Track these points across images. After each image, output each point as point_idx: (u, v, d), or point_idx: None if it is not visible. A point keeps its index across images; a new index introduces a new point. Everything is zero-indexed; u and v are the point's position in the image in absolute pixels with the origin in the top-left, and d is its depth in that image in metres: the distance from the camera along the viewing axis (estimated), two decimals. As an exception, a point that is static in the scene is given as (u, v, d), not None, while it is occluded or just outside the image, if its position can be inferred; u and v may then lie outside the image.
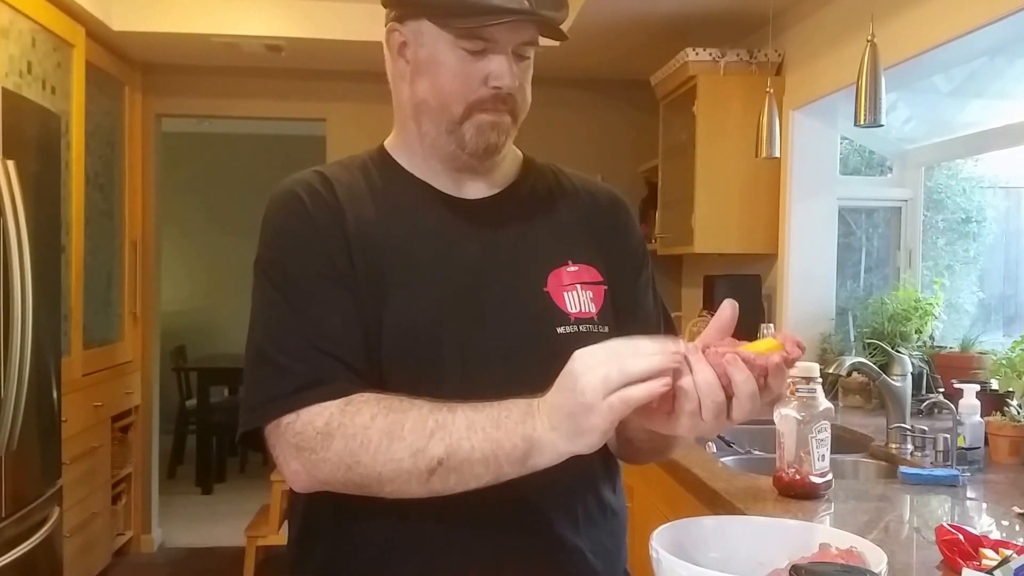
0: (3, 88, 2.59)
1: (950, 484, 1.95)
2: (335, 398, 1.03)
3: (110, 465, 4.10)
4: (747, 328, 1.01)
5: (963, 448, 2.09)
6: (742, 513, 1.70)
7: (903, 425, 2.32)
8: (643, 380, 0.88)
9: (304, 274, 1.10)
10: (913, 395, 2.43)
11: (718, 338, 0.93)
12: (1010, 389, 2.28)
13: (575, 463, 1.14)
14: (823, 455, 1.80)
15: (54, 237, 3.08)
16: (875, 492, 1.96)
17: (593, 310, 1.16)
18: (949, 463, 2.08)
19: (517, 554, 1.10)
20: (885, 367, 2.43)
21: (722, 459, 2.31)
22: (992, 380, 2.40)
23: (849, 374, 2.55)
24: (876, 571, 0.87)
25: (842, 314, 3.36)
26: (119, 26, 3.86)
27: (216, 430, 6.08)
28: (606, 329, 1.14)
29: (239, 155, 7.34)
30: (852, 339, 3.24)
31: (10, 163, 2.56)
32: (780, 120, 3.02)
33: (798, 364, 1.77)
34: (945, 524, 1.45)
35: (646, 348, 0.90)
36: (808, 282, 3.39)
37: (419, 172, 1.19)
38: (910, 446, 2.28)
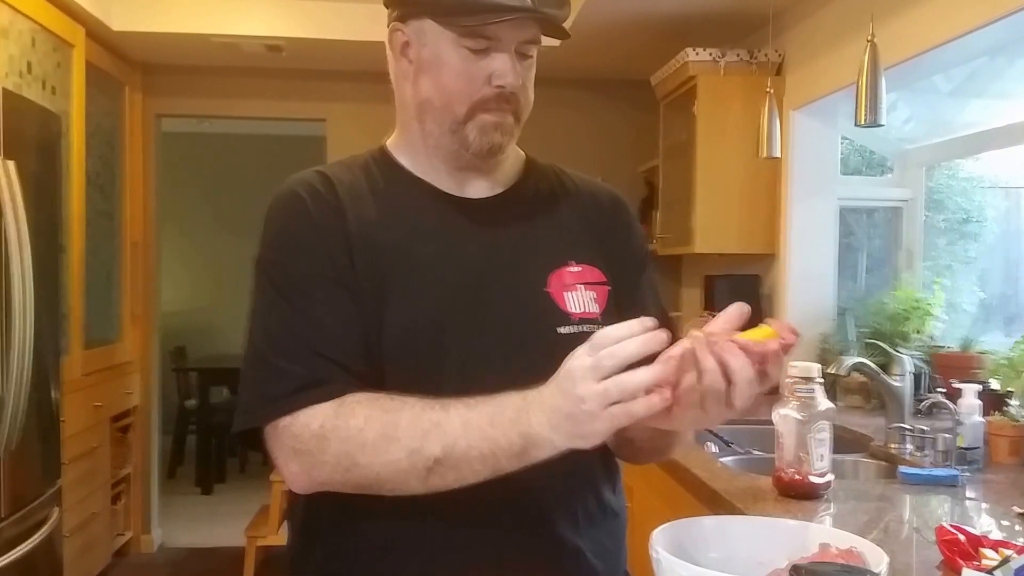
0: (3, 88, 2.59)
1: (950, 484, 1.95)
2: (331, 399, 1.04)
3: (110, 465, 4.10)
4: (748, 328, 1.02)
5: (963, 448, 2.09)
6: (742, 513, 1.70)
7: (903, 425, 2.32)
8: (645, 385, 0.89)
9: (305, 274, 1.10)
10: (913, 395, 2.43)
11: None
12: (1010, 389, 2.29)
13: (576, 464, 1.14)
14: (823, 455, 1.80)
15: (54, 237, 3.08)
16: (875, 492, 1.96)
17: (596, 310, 1.16)
18: (949, 463, 2.08)
19: (517, 554, 1.10)
20: (885, 367, 2.43)
21: (722, 459, 2.31)
22: (992, 380, 2.40)
23: (849, 374, 2.55)
24: (876, 571, 0.87)
25: (842, 314, 3.36)
26: (119, 26, 3.86)
27: (216, 430, 6.08)
28: (609, 330, 1.14)
29: (239, 155, 7.34)
30: (852, 339, 3.23)
31: (10, 163, 2.56)
32: (780, 120, 3.02)
33: (798, 364, 1.80)
34: (945, 524, 1.45)
35: (628, 336, 0.91)
36: (808, 282, 3.39)
37: (421, 172, 1.19)
38: (910, 446, 2.28)
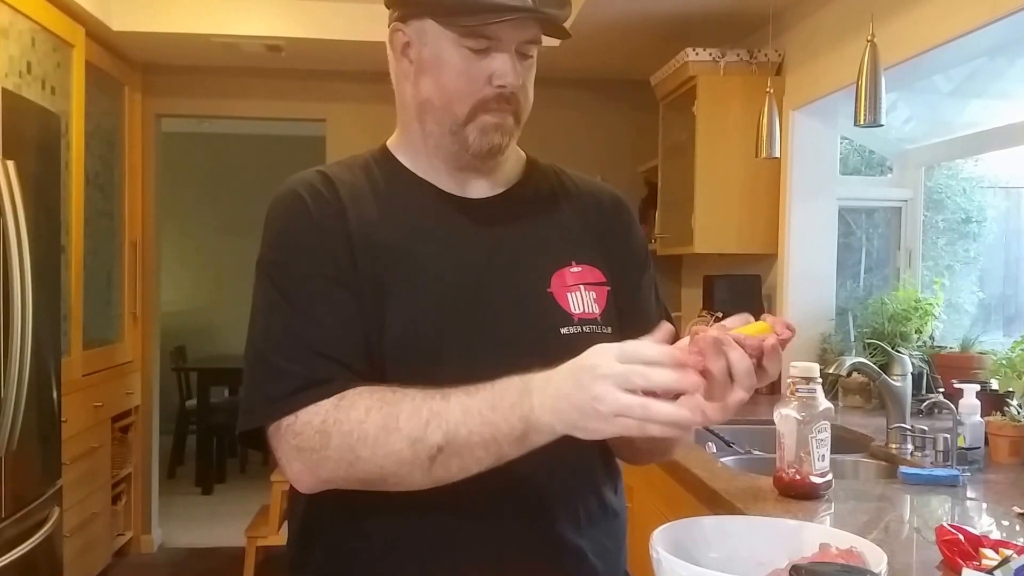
0: (3, 88, 2.59)
1: (950, 484, 1.95)
2: (332, 396, 1.04)
3: (110, 465, 4.10)
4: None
5: (963, 448, 2.09)
6: (742, 513, 1.70)
7: (903, 425, 2.32)
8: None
9: (306, 275, 1.10)
10: (913, 395, 2.43)
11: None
12: (1010, 389, 2.28)
13: (577, 464, 1.15)
14: (823, 455, 1.80)
15: (54, 237, 3.08)
16: (875, 492, 1.96)
17: (596, 311, 1.16)
18: (949, 463, 2.08)
19: (518, 554, 1.10)
20: (885, 367, 2.43)
21: (722, 459, 2.30)
22: (992, 380, 2.40)
23: (849, 374, 2.55)
24: (876, 571, 0.87)
25: (842, 314, 3.36)
26: (119, 26, 3.86)
27: (216, 430, 6.08)
28: (609, 330, 1.14)
29: (239, 155, 7.35)
30: (852, 339, 3.23)
31: (10, 163, 2.56)
32: (780, 120, 3.02)
33: (798, 364, 1.80)
34: (945, 524, 1.45)
35: (657, 357, 0.90)
36: (808, 282, 3.39)
37: (422, 172, 1.19)
38: (910, 446, 2.28)
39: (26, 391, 2.58)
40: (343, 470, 1.02)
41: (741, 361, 0.91)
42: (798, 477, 1.80)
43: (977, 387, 2.19)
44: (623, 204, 1.29)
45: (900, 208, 3.48)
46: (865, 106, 2.21)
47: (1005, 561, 1.19)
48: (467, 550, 1.09)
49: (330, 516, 1.12)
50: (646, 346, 0.92)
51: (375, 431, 1.00)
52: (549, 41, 1.15)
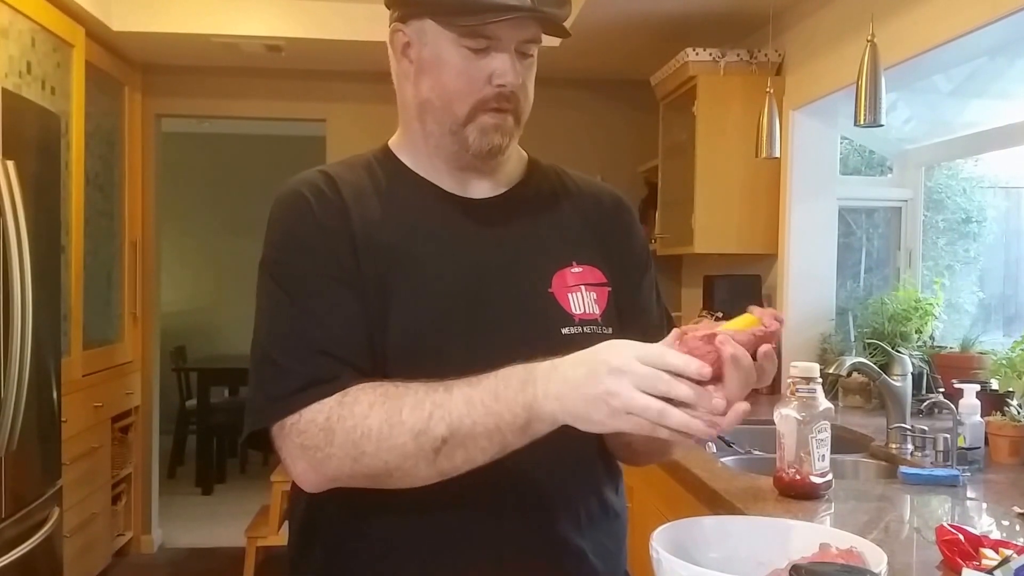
0: (3, 88, 2.59)
1: (950, 484, 1.95)
2: (335, 394, 1.04)
3: (110, 465, 4.10)
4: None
5: (963, 448, 2.09)
6: (742, 513, 1.70)
7: (903, 425, 2.32)
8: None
9: (310, 275, 1.10)
10: (913, 395, 2.43)
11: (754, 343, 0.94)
12: (1010, 389, 2.28)
13: (579, 465, 1.15)
14: (823, 455, 1.80)
15: (54, 237, 3.08)
16: (875, 492, 1.96)
17: (597, 311, 1.16)
18: (949, 463, 2.08)
19: (518, 554, 1.10)
20: (885, 367, 2.43)
21: (722, 459, 2.30)
22: (992, 380, 2.40)
23: (849, 374, 2.55)
24: (876, 571, 0.87)
25: (842, 314, 3.36)
26: (119, 26, 3.86)
27: (216, 431, 6.08)
28: (610, 331, 1.14)
29: (239, 155, 7.35)
30: (852, 339, 3.24)
31: (10, 163, 2.56)
32: (780, 120, 3.02)
33: (798, 364, 1.80)
34: (945, 524, 1.45)
35: (682, 367, 0.90)
36: (808, 282, 3.39)
37: (424, 172, 1.19)
38: (910, 446, 2.28)
39: (26, 391, 2.58)
40: (348, 467, 1.02)
41: (745, 359, 0.91)
42: (798, 477, 1.80)
43: (977, 387, 2.19)
44: (624, 204, 1.30)
45: (900, 208, 3.48)
46: (865, 106, 2.21)
47: (1005, 561, 1.19)
48: (467, 550, 1.09)
49: (330, 516, 1.12)
50: (671, 353, 0.92)
51: (379, 426, 1.00)
52: (549, 41, 1.15)
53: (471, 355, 1.08)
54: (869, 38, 2.21)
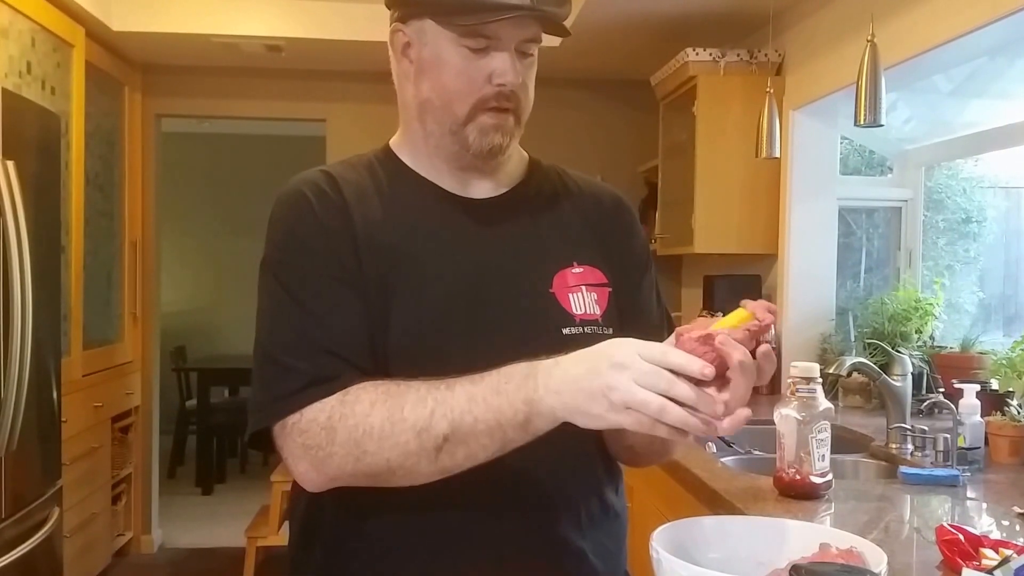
0: (3, 88, 2.59)
1: (950, 484, 1.95)
2: (337, 393, 1.04)
3: (110, 465, 4.10)
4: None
5: (963, 448, 2.09)
6: (742, 513, 1.70)
7: (903, 425, 2.32)
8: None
9: (311, 275, 1.10)
10: (913, 395, 2.43)
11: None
12: (1010, 389, 2.28)
13: (579, 465, 1.15)
14: (823, 455, 1.80)
15: (54, 237, 3.08)
16: (875, 492, 1.96)
17: (598, 312, 1.16)
18: (949, 463, 2.08)
19: (519, 554, 1.10)
20: (885, 367, 2.43)
21: (722, 459, 2.31)
22: (992, 380, 2.40)
23: (849, 374, 2.55)
24: (876, 571, 0.87)
25: (842, 314, 3.36)
26: (119, 26, 3.86)
27: (216, 431, 6.08)
28: (610, 331, 1.14)
29: (239, 155, 7.35)
30: (852, 339, 3.24)
31: (10, 163, 2.56)
32: (780, 120, 3.02)
33: (798, 364, 1.80)
34: (945, 524, 1.45)
35: (684, 365, 0.90)
36: (808, 282, 3.39)
37: (424, 171, 1.19)
38: (910, 446, 2.28)
39: (26, 391, 2.58)
40: (350, 465, 1.02)
41: (749, 362, 0.91)
42: (798, 477, 1.80)
43: (977, 387, 2.19)
44: (624, 205, 1.30)
45: (900, 208, 3.48)
46: (865, 106, 2.21)
47: (1005, 561, 1.19)
48: (468, 550, 1.09)
49: (331, 516, 1.12)
50: (674, 352, 0.92)
51: (380, 424, 1.00)
52: (549, 41, 1.15)
53: (472, 355, 1.08)
54: (869, 38, 2.21)
